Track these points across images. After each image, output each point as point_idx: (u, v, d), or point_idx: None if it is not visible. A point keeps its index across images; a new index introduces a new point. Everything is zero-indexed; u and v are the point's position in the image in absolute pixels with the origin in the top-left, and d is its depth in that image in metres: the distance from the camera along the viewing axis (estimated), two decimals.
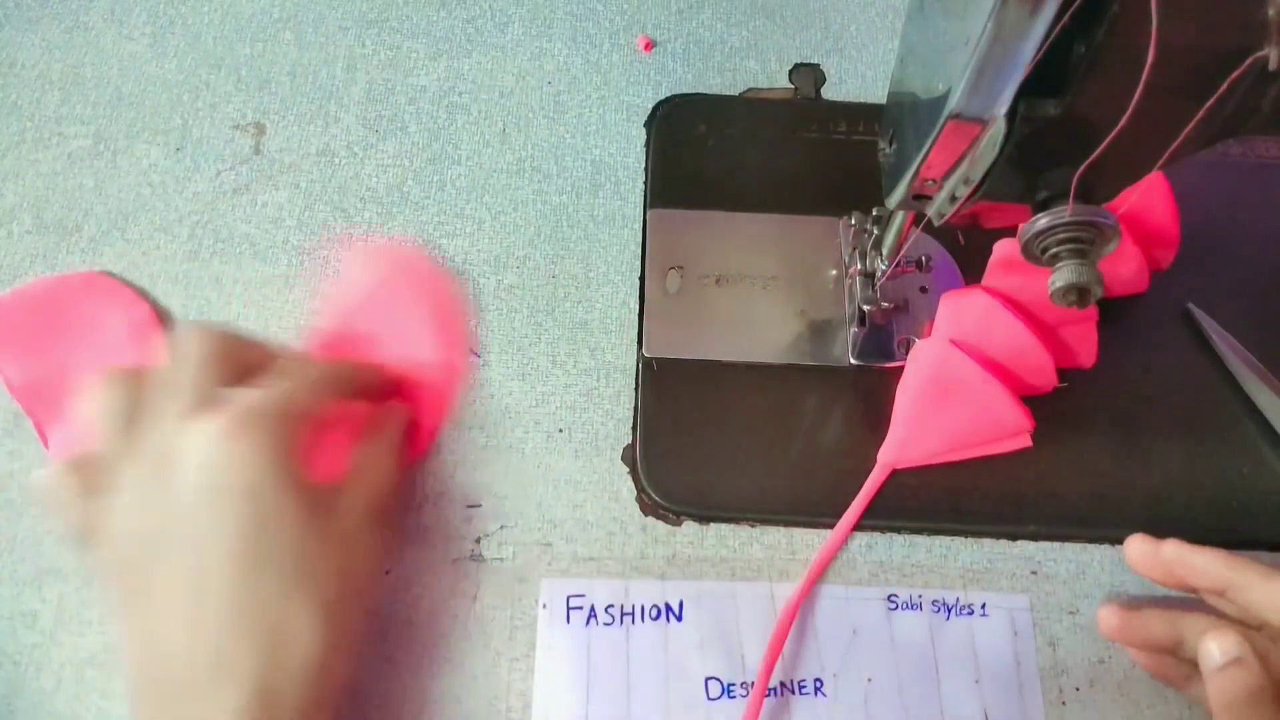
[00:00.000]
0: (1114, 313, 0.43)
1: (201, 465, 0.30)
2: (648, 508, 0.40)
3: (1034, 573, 0.39)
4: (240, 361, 0.33)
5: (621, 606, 0.38)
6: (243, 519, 0.30)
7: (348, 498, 0.34)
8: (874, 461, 0.40)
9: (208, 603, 0.30)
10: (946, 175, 0.32)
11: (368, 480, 0.35)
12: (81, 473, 0.32)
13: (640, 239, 0.46)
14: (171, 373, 0.32)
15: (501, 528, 0.40)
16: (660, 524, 0.40)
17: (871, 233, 0.42)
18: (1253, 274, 0.46)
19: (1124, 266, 0.42)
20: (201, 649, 0.29)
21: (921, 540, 0.40)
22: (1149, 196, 0.43)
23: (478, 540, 0.39)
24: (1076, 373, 0.42)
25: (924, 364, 0.40)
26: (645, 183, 0.48)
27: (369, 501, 0.34)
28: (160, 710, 0.30)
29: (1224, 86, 0.26)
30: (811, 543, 0.40)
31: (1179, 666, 0.36)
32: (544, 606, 0.38)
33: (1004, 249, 0.41)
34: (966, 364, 0.39)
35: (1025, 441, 0.40)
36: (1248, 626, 0.34)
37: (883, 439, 0.41)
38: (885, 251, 0.41)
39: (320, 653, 0.31)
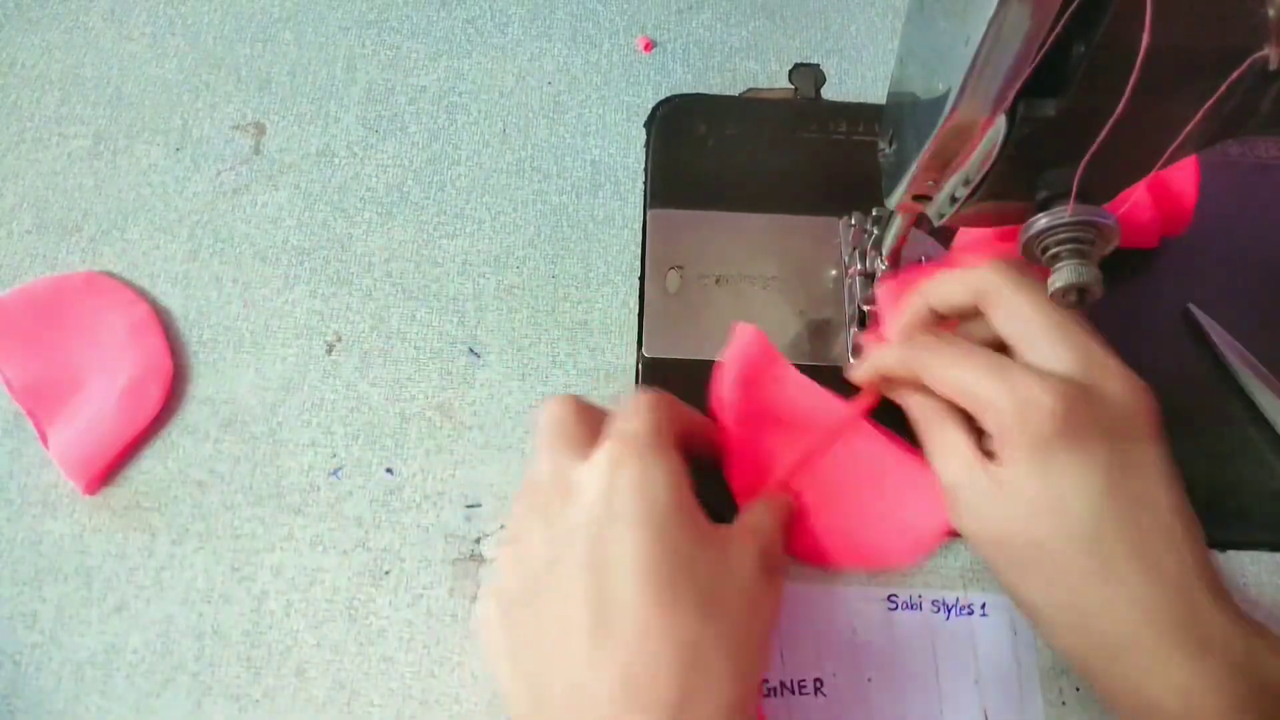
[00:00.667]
0: (1114, 313, 0.43)
1: (597, 492, 0.30)
2: None
3: None
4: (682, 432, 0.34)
5: None
6: (648, 541, 0.28)
7: (736, 545, 0.32)
8: None
9: (614, 625, 0.28)
10: (946, 175, 0.32)
11: (756, 535, 0.33)
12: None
13: (640, 239, 0.46)
14: (548, 415, 0.34)
15: (501, 528, 0.40)
16: None
17: (871, 233, 0.42)
18: (1253, 274, 0.46)
19: (1136, 214, 0.42)
20: (608, 675, 0.27)
21: None
22: None
23: (478, 540, 0.39)
24: None
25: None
26: (645, 183, 0.48)
27: (758, 555, 0.32)
28: None
29: (1224, 86, 0.26)
30: None
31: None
32: None
33: (965, 236, 0.43)
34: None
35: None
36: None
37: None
38: (885, 251, 0.41)
39: (739, 694, 0.28)
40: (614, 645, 0.28)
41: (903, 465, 0.38)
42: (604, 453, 0.31)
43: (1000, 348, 0.35)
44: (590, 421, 0.33)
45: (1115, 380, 0.33)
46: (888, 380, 0.38)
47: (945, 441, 0.35)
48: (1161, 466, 0.33)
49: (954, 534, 0.37)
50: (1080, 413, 0.32)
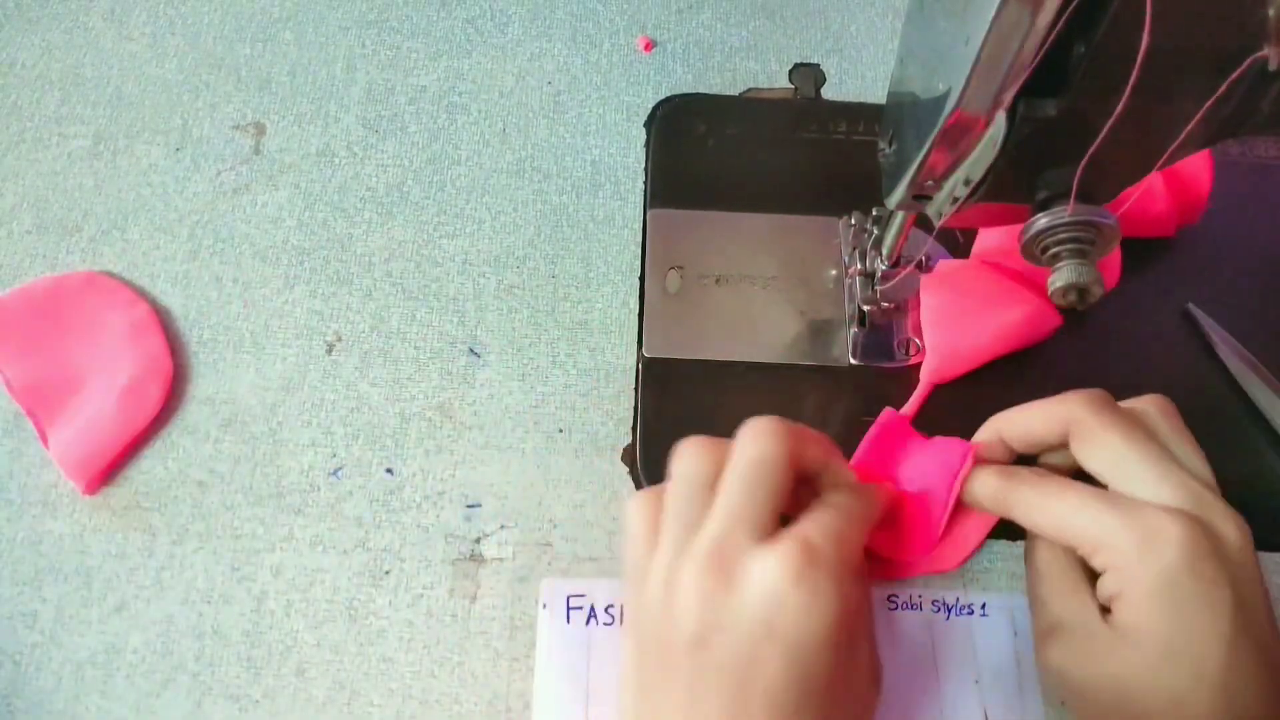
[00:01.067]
0: (1115, 312, 0.43)
1: (765, 597, 0.30)
2: None
3: None
4: (803, 461, 0.33)
5: (621, 606, 0.38)
6: (796, 676, 0.29)
7: (865, 677, 0.32)
8: None
9: None
10: (946, 175, 0.32)
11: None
12: (649, 513, 0.33)
13: (640, 239, 0.46)
14: (746, 470, 0.32)
15: (501, 528, 0.40)
16: None
17: (871, 233, 0.42)
18: (1253, 274, 0.46)
19: (1152, 206, 0.42)
20: None
21: None
22: None
23: (478, 540, 0.39)
24: (1077, 373, 0.42)
25: (949, 281, 0.42)
26: (645, 183, 0.48)
27: (879, 681, 0.33)
28: None
29: (1224, 87, 0.26)
30: None
31: None
32: (544, 606, 0.38)
33: (986, 240, 0.43)
34: (988, 272, 0.41)
35: (1056, 321, 0.42)
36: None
37: None
38: (885, 251, 0.41)
39: None
40: None
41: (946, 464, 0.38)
42: (785, 560, 0.30)
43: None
44: (778, 493, 0.32)
45: (1224, 517, 0.31)
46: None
47: (1065, 578, 0.33)
48: (1269, 605, 0.31)
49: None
50: (1204, 550, 0.30)
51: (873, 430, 0.40)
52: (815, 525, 0.31)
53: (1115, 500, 0.32)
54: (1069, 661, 0.32)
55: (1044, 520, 0.33)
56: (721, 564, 0.30)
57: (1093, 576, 0.33)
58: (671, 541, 0.32)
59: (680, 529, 0.32)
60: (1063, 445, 0.34)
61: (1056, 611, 0.33)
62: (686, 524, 0.32)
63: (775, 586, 0.29)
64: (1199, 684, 0.30)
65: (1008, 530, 0.40)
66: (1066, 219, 0.30)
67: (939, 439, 0.38)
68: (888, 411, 0.41)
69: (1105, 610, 0.32)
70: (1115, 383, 0.43)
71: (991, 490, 0.35)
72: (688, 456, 0.33)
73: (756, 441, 0.32)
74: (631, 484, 0.41)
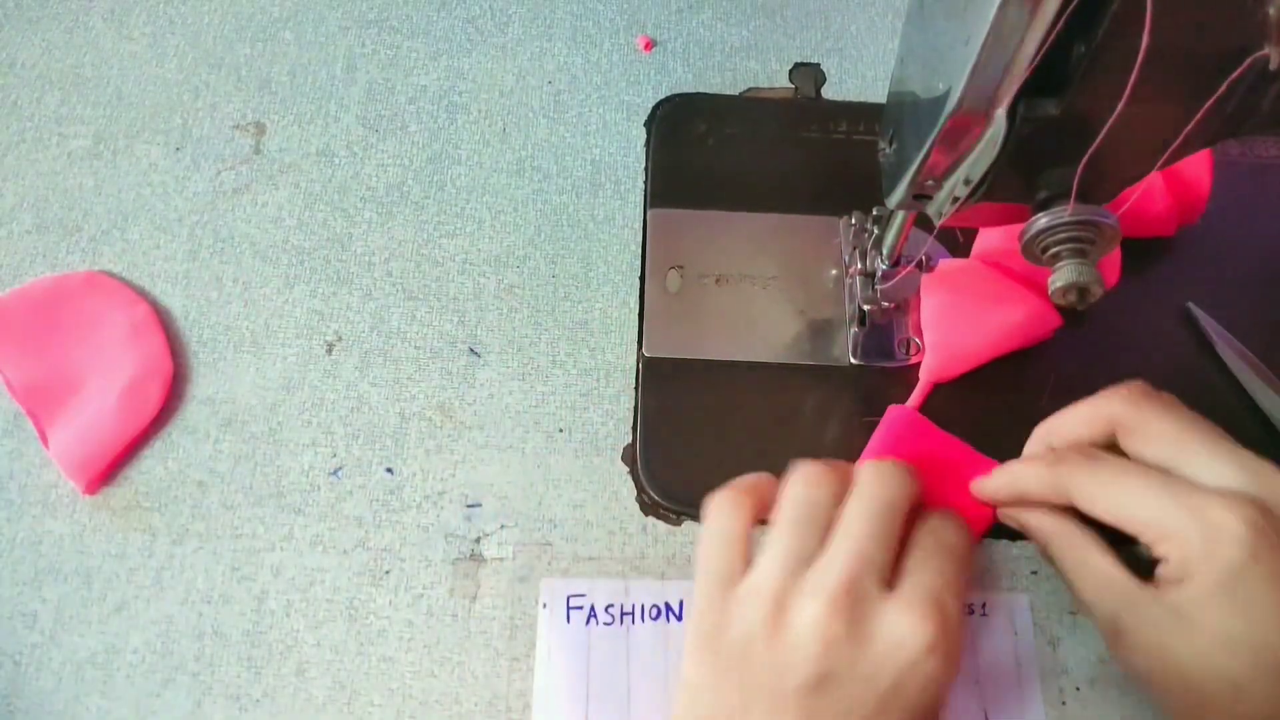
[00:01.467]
0: (1115, 312, 0.43)
1: (897, 658, 0.30)
2: (648, 508, 0.40)
3: (1034, 572, 0.39)
4: (916, 501, 0.33)
5: (621, 606, 0.38)
6: None
7: None
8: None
9: None
10: (946, 175, 0.32)
11: None
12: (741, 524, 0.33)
13: (640, 239, 0.46)
14: (880, 511, 0.32)
15: (501, 528, 0.40)
16: (660, 524, 0.40)
17: (871, 232, 0.42)
18: (1253, 274, 0.46)
19: (1152, 205, 0.42)
20: None
21: None
22: None
23: (478, 540, 0.39)
24: (1077, 373, 0.42)
25: (949, 280, 0.42)
26: (645, 182, 0.48)
27: None
28: None
29: (1224, 87, 0.26)
30: None
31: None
32: (544, 606, 0.38)
33: (986, 240, 0.43)
34: (989, 272, 0.41)
35: (1056, 321, 0.42)
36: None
37: None
38: (885, 251, 0.41)
39: None
40: None
41: (958, 459, 0.39)
42: (922, 624, 0.30)
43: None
44: (900, 538, 0.32)
45: None
46: (1021, 499, 0.36)
47: (1096, 570, 0.33)
48: None
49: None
50: (1269, 535, 0.30)
51: (887, 426, 0.40)
52: (940, 578, 0.31)
53: (1177, 489, 0.31)
54: (1134, 655, 0.32)
55: (1105, 507, 0.32)
56: (850, 609, 0.30)
57: (1114, 541, 0.33)
58: (781, 566, 0.31)
59: (792, 554, 0.31)
60: (1108, 443, 0.34)
61: (1110, 612, 0.32)
62: (799, 551, 0.31)
63: (910, 650, 0.29)
64: (1258, 672, 0.30)
65: (1008, 530, 0.40)
66: (1066, 219, 0.30)
67: (957, 441, 0.39)
68: (896, 408, 0.41)
69: (1148, 579, 0.32)
70: (1115, 383, 0.43)
71: (1043, 477, 0.34)
72: (809, 481, 0.33)
73: (889, 483, 0.32)
74: (632, 484, 0.41)
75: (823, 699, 0.29)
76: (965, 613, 0.32)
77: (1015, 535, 0.40)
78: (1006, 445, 0.38)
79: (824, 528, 0.32)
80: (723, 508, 0.34)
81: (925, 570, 0.31)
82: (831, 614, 0.30)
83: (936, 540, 0.33)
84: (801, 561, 0.31)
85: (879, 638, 0.30)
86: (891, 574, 0.31)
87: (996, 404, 0.42)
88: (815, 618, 0.30)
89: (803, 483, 0.33)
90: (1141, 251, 0.45)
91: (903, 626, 0.30)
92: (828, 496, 0.33)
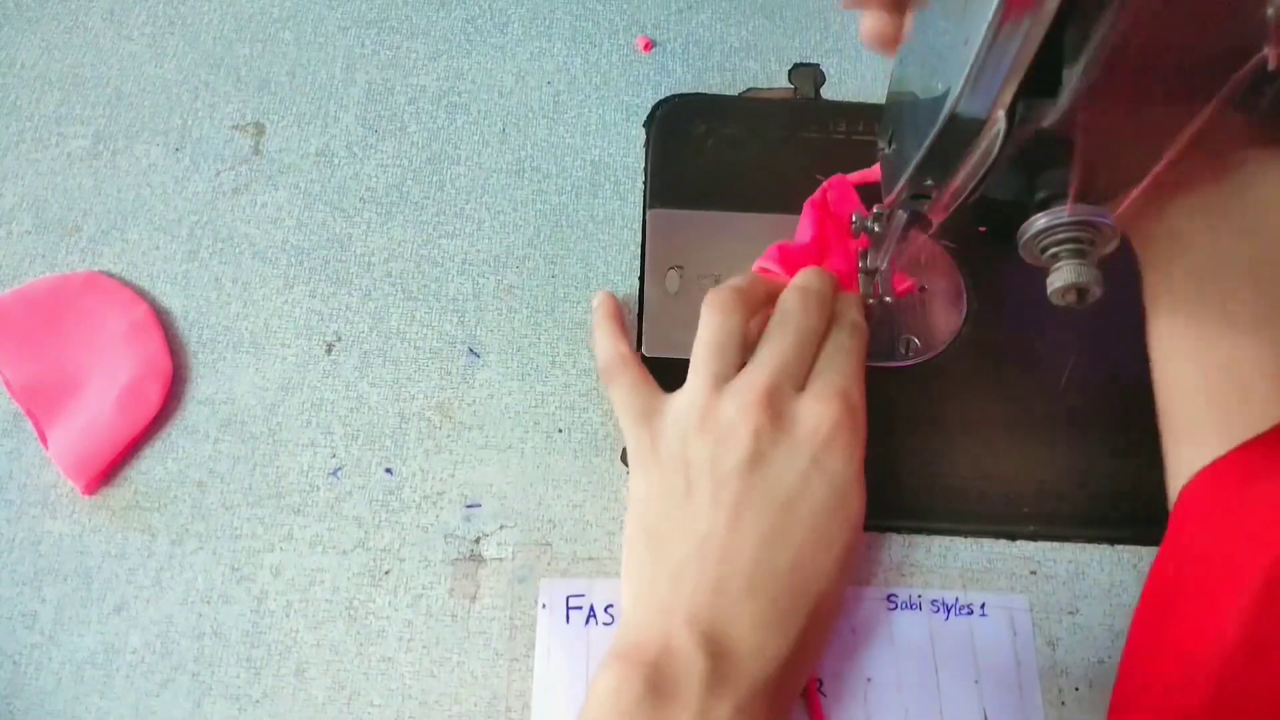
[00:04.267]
0: (1114, 311, 0.43)
1: (814, 439, 0.35)
2: None
3: (1033, 573, 0.39)
4: (830, 304, 0.39)
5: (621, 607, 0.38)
6: (834, 494, 0.35)
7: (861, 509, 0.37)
8: (875, 463, 0.40)
9: (781, 547, 0.34)
10: (946, 175, 0.32)
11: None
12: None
13: (640, 239, 0.46)
14: (794, 326, 0.38)
15: (501, 528, 0.40)
16: None
17: (872, 232, 0.42)
18: None
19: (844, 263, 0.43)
20: (761, 580, 0.33)
21: (921, 540, 0.40)
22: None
23: (478, 540, 0.39)
24: (1075, 373, 0.42)
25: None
26: (645, 183, 0.48)
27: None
28: (676, 594, 0.33)
29: (1225, 87, 0.26)
30: None
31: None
32: (544, 606, 0.38)
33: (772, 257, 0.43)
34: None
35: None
36: None
37: (885, 438, 0.41)
38: (885, 251, 0.41)
39: (828, 639, 0.36)
40: (774, 565, 0.33)
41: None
42: (833, 412, 0.35)
43: None
44: (816, 343, 0.38)
45: None
46: None
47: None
48: None
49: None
50: None
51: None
52: (842, 376, 0.37)
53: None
54: None
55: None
56: (772, 405, 0.35)
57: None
58: (702, 385, 0.37)
59: (711, 375, 0.37)
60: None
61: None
62: (717, 371, 0.37)
63: (823, 430, 0.35)
64: None
65: (1008, 531, 0.40)
66: (1066, 219, 0.30)
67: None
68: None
69: None
70: (1115, 383, 0.43)
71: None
72: (719, 309, 0.38)
73: (812, 313, 0.38)
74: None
75: (756, 474, 0.34)
76: (865, 399, 0.37)
77: (1015, 535, 0.40)
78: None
79: (741, 347, 0.38)
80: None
81: (830, 371, 0.37)
82: (758, 408, 0.35)
83: (836, 345, 0.38)
84: (723, 379, 0.37)
85: (798, 424, 0.35)
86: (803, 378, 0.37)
87: (972, 386, 0.42)
88: (743, 410, 0.35)
89: (719, 310, 0.38)
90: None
91: (815, 412, 0.36)
92: (741, 321, 0.38)
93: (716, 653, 0.31)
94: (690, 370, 0.38)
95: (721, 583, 0.33)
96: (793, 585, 0.33)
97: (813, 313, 0.38)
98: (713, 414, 0.36)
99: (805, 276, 0.40)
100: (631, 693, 0.30)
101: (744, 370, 0.37)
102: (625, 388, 0.39)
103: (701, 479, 0.35)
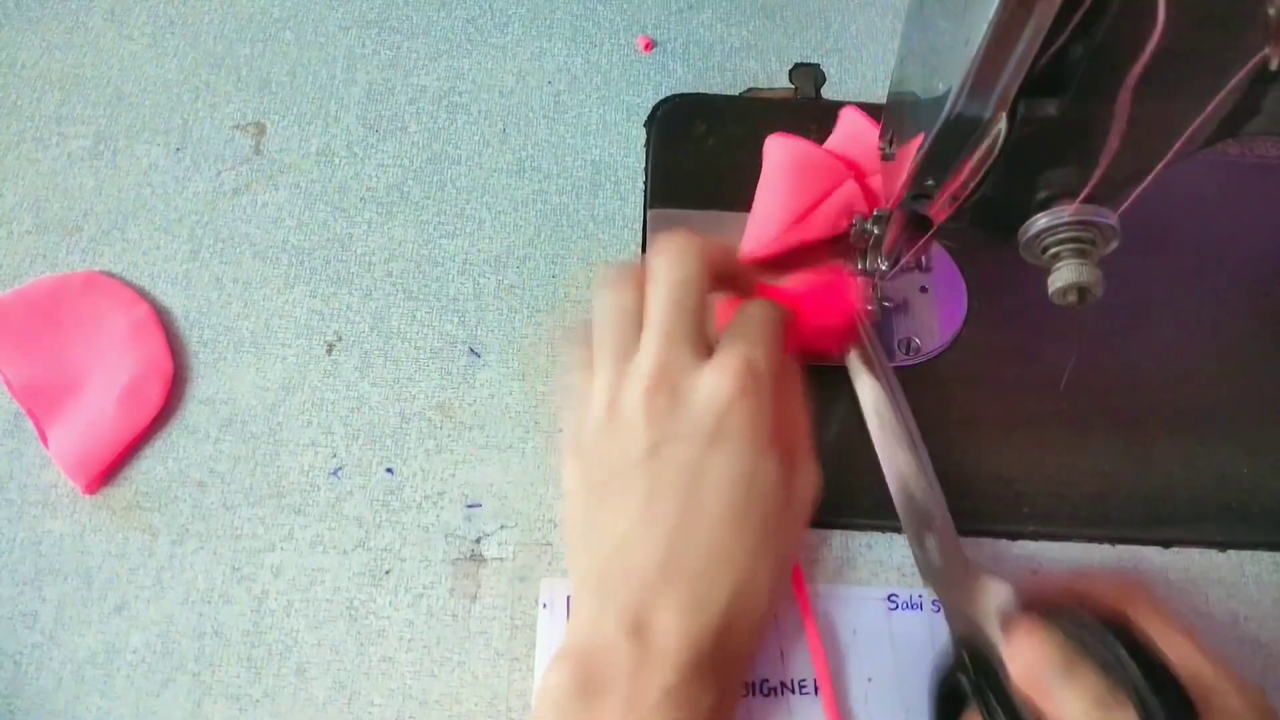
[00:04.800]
0: (1114, 311, 0.43)
1: (713, 407, 0.33)
2: None
3: (1034, 572, 0.39)
4: (720, 273, 0.36)
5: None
6: (739, 467, 0.33)
7: (802, 480, 0.35)
8: (874, 461, 0.40)
9: (692, 530, 0.32)
10: (946, 175, 0.32)
11: (802, 428, 0.37)
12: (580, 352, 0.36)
13: (640, 239, 0.46)
14: (672, 292, 0.35)
15: (501, 528, 0.40)
16: None
17: (872, 233, 0.42)
18: (1252, 273, 0.46)
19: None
20: (676, 565, 0.32)
21: None
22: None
23: (478, 540, 0.39)
24: (1076, 373, 0.42)
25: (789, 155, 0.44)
26: (645, 183, 0.48)
27: (816, 486, 0.36)
28: (604, 590, 0.33)
29: (1226, 87, 0.26)
30: (810, 542, 0.40)
31: None
32: (544, 606, 0.38)
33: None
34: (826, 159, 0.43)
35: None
36: None
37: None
38: (885, 251, 0.41)
39: (767, 612, 0.34)
40: (687, 550, 0.32)
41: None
42: (730, 375, 0.33)
43: None
44: (704, 308, 0.35)
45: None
46: None
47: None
48: None
49: None
50: None
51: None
52: (747, 342, 0.34)
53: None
54: None
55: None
56: (666, 382, 0.34)
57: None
58: (607, 369, 0.35)
59: (613, 356, 0.35)
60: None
61: None
62: (618, 351, 0.35)
63: (723, 397, 0.33)
64: None
65: (1008, 531, 0.40)
66: (1066, 218, 0.30)
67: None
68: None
69: None
70: (1115, 382, 0.43)
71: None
72: (610, 287, 0.36)
73: (676, 263, 0.35)
74: None
75: (659, 459, 0.33)
76: (779, 368, 0.35)
77: (1015, 535, 0.40)
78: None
79: (638, 321, 0.35)
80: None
81: (735, 341, 0.35)
82: (652, 393, 0.33)
83: (745, 317, 0.36)
84: (624, 357, 0.35)
85: (697, 397, 0.33)
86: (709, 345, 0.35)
87: (968, 384, 0.42)
88: (637, 400, 0.34)
89: (609, 289, 0.36)
90: (1139, 252, 0.45)
91: (713, 382, 0.33)
92: (634, 294, 0.36)
93: (642, 640, 0.31)
94: (595, 355, 0.36)
95: (643, 574, 0.33)
96: (709, 565, 0.33)
97: (683, 263, 0.35)
98: (616, 404, 0.34)
99: (667, 238, 0.36)
100: (565, 688, 0.31)
101: (639, 349, 0.35)
102: (573, 369, 0.37)
103: (614, 475, 0.34)
